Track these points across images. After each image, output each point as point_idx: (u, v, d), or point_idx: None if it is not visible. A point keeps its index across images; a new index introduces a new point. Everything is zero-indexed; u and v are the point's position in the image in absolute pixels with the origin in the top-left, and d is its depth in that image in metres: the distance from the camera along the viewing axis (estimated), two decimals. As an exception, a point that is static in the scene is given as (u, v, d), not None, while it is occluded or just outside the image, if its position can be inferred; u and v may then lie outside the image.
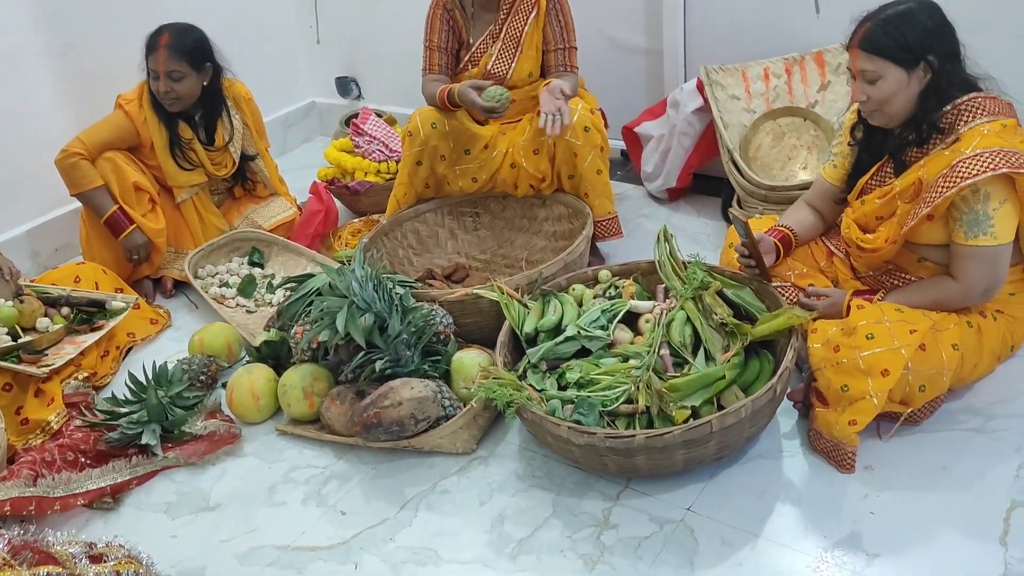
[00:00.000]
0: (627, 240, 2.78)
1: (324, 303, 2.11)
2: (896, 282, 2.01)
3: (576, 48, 2.67)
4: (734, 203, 2.78)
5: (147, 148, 2.84)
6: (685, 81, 3.07)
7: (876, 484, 1.83)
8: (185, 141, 2.85)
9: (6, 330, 2.37)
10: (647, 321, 2.14)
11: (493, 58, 2.65)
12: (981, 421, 1.96)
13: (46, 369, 2.25)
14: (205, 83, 2.79)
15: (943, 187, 1.79)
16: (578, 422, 1.83)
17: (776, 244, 2.11)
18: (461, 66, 2.71)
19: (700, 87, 2.85)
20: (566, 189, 2.68)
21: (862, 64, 1.86)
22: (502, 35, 2.64)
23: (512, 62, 2.64)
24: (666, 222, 2.98)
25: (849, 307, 1.95)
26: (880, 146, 1.96)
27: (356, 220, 3.16)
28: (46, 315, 2.52)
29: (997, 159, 1.75)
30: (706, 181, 3.09)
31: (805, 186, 2.56)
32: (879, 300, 1.94)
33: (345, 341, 2.10)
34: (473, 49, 2.68)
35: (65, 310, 2.56)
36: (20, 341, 2.34)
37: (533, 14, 2.62)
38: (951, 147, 1.83)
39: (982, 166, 1.75)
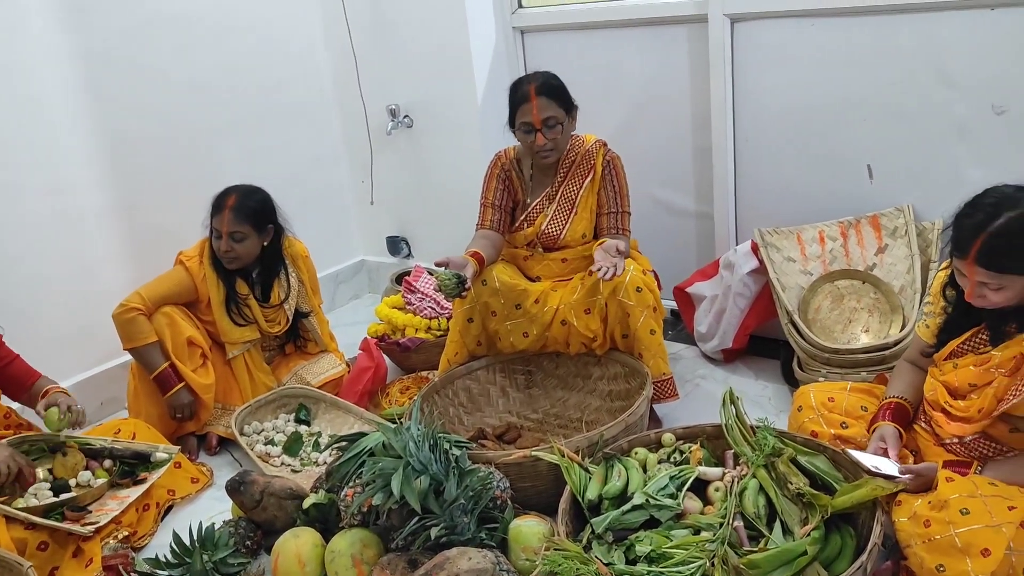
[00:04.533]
0: (683, 402, 2.71)
1: (378, 464, 2.03)
2: (987, 452, 1.90)
3: (629, 213, 2.71)
4: (795, 366, 2.71)
5: (204, 304, 2.87)
6: (737, 243, 3.08)
7: None
8: (241, 297, 2.88)
9: (48, 485, 2.31)
10: (717, 489, 2.03)
11: (548, 218, 2.70)
12: (1091, 608, 1.78)
13: (92, 528, 2.17)
14: (266, 243, 2.85)
15: None
16: (651, 600, 1.70)
17: (898, 430, 2.01)
18: (516, 224, 2.77)
19: (754, 249, 2.85)
20: (620, 348, 2.64)
21: (981, 278, 1.76)
22: (558, 197, 2.70)
23: (566, 223, 2.68)
24: (724, 383, 2.94)
25: (938, 480, 1.83)
26: (977, 313, 1.89)
27: (406, 377, 3.12)
28: (87, 468, 2.47)
29: None
30: (762, 342, 3.04)
31: (868, 349, 2.53)
32: (975, 473, 1.83)
33: (399, 505, 2.00)
34: (529, 209, 2.74)
35: (107, 463, 2.50)
36: (64, 497, 2.27)
37: (589, 178, 2.69)
38: None
39: None
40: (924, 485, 1.86)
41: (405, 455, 2.01)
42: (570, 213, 2.69)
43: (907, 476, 1.86)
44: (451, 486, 1.99)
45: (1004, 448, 1.89)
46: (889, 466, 1.88)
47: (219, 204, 2.77)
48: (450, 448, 2.09)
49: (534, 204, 2.74)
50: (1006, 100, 2.46)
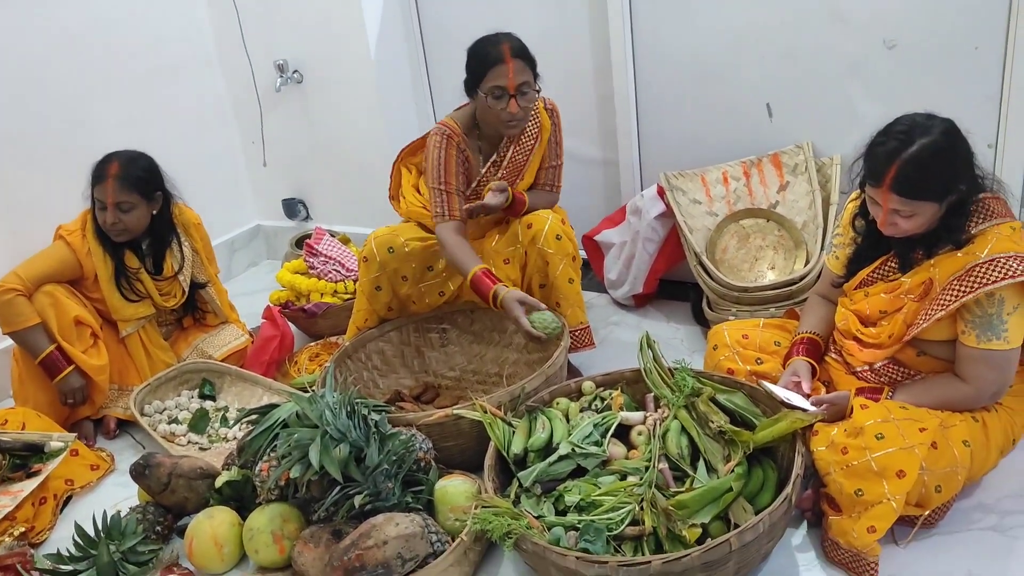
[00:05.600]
0: (598, 350, 2.69)
1: (294, 435, 1.94)
2: (896, 377, 1.96)
3: (562, 164, 2.65)
4: (705, 307, 2.75)
5: (90, 280, 2.67)
6: (642, 188, 3.08)
7: (904, 595, 1.72)
8: (131, 271, 2.70)
9: (-71, 487, 2.13)
10: (640, 433, 2.03)
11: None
12: (996, 519, 1.88)
13: (-20, 529, 2.01)
14: (155, 212, 2.67)
15: (959, 291, 1.76)
16: (585, 550, 1.69)
17: (811, 364, 2.05)
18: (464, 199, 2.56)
19: (661, 193, 2.85)
20: (537, 298, 2.60)
21: (894, 205, 1.77)
22: (505, 163, 2.56)
23: (512, 187, 2.57)
24: (636, 328, 2.95)
25: (852, 407, 1.88)
26: (886, 242, 1.92)
27: (314, 344, 3.01)
28: (-28, 465, 2.28)
29: (1014, 265, 1.73)
30: (671, 286, 3.07)
31: (775, 286, 2.57)
32: (886, 399, 1.88)
33: (318, 476, 1.93)
34: (475, 183, 2.57)
35: (-5, 458, 2.32)
36: (-53, 498, 2.09)
37: (537, 141, 2.57)
38: (964, 249, 1.80)
39: (1000, 272, 1.73)
40: (838, 414, 1.91)
41: (322, 424, 1.92)
42: (516, 178, 2.58)
43: (822, 407, 1.90)
44: (372, 452, 1.93)
45: (912, 372, 1.96)
46: (801, 401, 1.92)
47: (100, 173, 2.57)
48: (368, 413, 2.02)
49: (483, 174, 2.56)
50: (896, 34, 2.51)
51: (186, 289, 2.82)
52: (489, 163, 2.56)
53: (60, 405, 2.64)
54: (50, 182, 3.07)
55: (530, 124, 2.56)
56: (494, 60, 2.35)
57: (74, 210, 2.73)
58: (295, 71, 3.50)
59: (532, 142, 2.57)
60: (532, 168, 2.61)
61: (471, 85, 2.42)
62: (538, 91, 2.44)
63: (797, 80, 2.72)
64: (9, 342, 2.84)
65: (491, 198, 2.46)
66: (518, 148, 2.56)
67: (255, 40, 3.50)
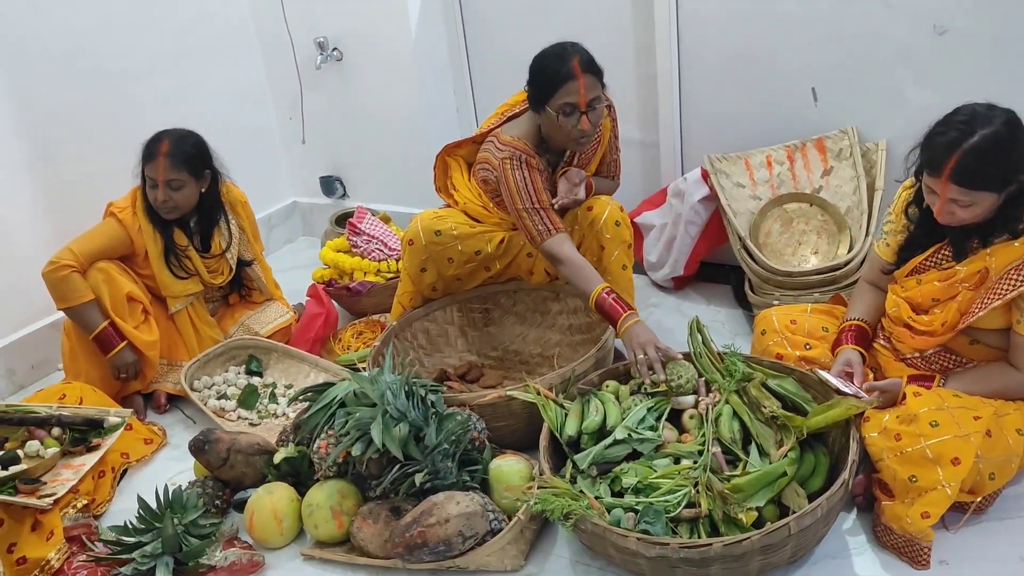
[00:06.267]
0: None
1: (355, 414, 1.98)
2: (947, 364, 1.98)
3: (620, 152, 2.68)
4: (747, 289, 2.77)
5: (140, 257, 2.71)
6: (683, 171, 3.09)
7: (956, 580, 1.76)
8: (180, 249, 2.73)
9: (-4, 459, 2.18)
10: (692, 417, 2.06)
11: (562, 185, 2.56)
12: (1046, 506, 1.91)
13: (49, 500, 2.05)
14: (203, 190, 2.70)
15: (1017, 280, 1.78)
16: (645, 532, 1.73)
17: (861, 353, 2.07)
18: None
19: (704, 176, 2.86)
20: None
21: (954, 195, 1.79)
22: (574, 163, 2.56)
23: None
24: (676, 311, 2.98)
25: (904, 394, 1.90)
26: (940, 230, 1.94)
27: (358, 322, 3.05)
28: (34, 438, 2.33)
29: None
30: (710, 268, 3.08)
31: (819, 271, 2.59)
32: (939, 386, 1.90)
33: (378, 455, 1.97)
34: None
35: (56, 431, 2.37)
36: (14, 470, 2.14)
37: (599, 145, 2.58)
38: (1021, 239, 1.82)
39: None
40: (890, 401, 1.93)
41: (382, 403, 1.97)
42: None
43: (874, 394, 1.93)
44: (431, 432, 1.97)
45: (963, 360, 1.98)
46: (853, 388, 1.95)
47: (151, 151, 2.59)
48: (426, 394, 2.06)
49: (552, 177, 2.54)
50: (947, 20, 2.50)
51: (233, 266, 2.86)
52: (560, 165, 2.57)
53: (112, 380, 2.69)
54: (96, 159, 3.11)
55: None
56: (565, 77, 2.27)
57: (121, 187, 2.76)
58: (335, 49, 3.51)
59: (596, 145, 2.57)
60: (594, 165, 2.63)
61: (539, 101, 2.34)
62: (608, 105, 2.40)
63: (843, 64, 2.71)
64: (57, 316, 2.90)
65: (580, 193, 2.44)
66: (583, 153, 2.57)
67: (296, 17, 3.50)
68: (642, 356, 2.11)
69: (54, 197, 3.05)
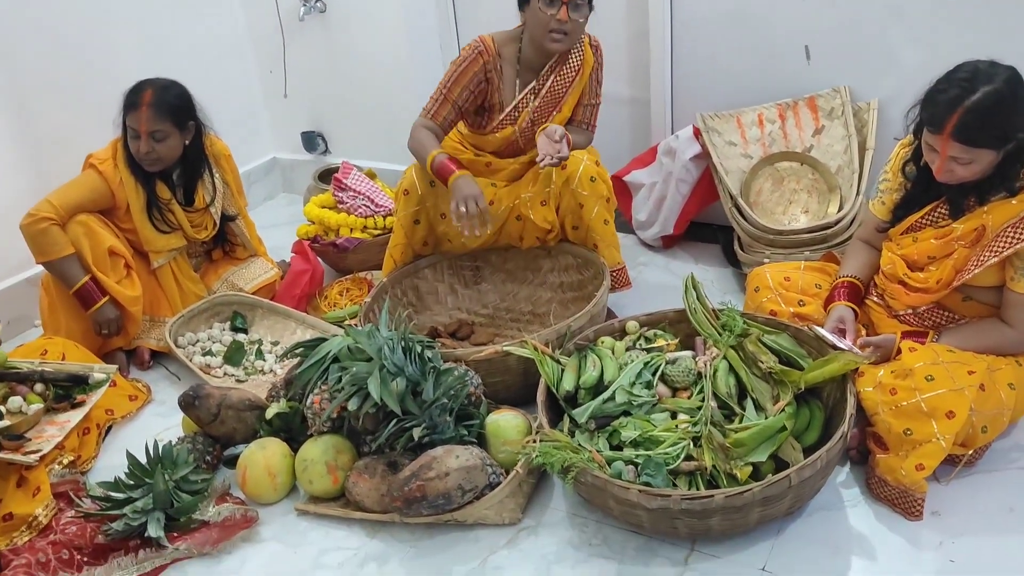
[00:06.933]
0: (628, 290, 2.71)
1: (352, 369, 1.96)
2: (940, 321, 2.00)
3: (600, 104, 2.62)
4: (737, 247, 2.77)
5: (122, 210, 2.64)
6: (673, 129, 3.07)
7: (948, 530, 1.79)
8: (163, 202, 2.66)
9: (-23, 414, 2.13)
10: (682, 372, 2.06)
11: (530, 115, 2.54)
12: (1034, 458, 1.95)
13: (36, 456, 2.01)
14: (187, 142, 2.63)
15: (1013, 237, 1.80)
16: (647, 484, 1.73)
17: (854, 310, 2.08)
18: (494, 126, 2.54)
19: (696, 134, 2.84)
20: (571, 240, 2.61)
21: (954, 152, 1.79)
22: (543, 92, 2.52)
23: (548, 120, 2.54)
24: (665, 269, 2.99)
25: (899, 348, 1.92)
26: (936, 188, 1.94)
27: (344, 279, 3.01)
28: (15, 394, 2.28)
29: None
30: (698, 228, 3.08)
31: (810, 230, 2.59)
32: (932, 342, 1.92)
33: (375, 410, 1.95)
34: (509, 109, 2.52)
35: (39, 387, 2.31)
36: (-2, 426, 2.10)
37: (578, 73, 2.53)
38: (1018, 197, 1.83)
39: None
40: (884, 356, 1.95)
41: (379, 358, 1.94)
42: (552, 110, 2.54)
43: (869, 350, 1.94)
44: (429, 386, 1.95)
45: (956, 316, 2.00)
46: (848, 346, 1.96)
47: (134, 101, 2.51)
48: (422, 349, 2.04)
49: (517, 101, 2.52)
50: (942, -23, 2.49)
51: (217, 221, 2.80)
52: (527, 89, 2.53)
53: (93, 335, 2.63)
54: (73, 109, 3.01)
55: (573, 54, 2.52)
56: None
57: (99, 138, 2.68)
58: (318, 0, 3.42)
59: (573, 74, 2.53)
60: (570, 102, 2.58)
61: None
62: (588, 5, 2.38)
63: (836, 22, 2.69)
64: (34, 271, 2.83)
65: (563, 150, 2.40)
66: (558, 78, 2.52)
67: (278, -34, 3.41)
68: (463, 209, 2.28)
69: (30, 148, 2.95)
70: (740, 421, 1.93)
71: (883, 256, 2.11)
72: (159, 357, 2.75)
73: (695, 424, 1.89)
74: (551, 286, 2.71)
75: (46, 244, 2.50)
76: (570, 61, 2.52)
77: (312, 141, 3.78)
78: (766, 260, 2.59)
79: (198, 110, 2.65)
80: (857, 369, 1.93)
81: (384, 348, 1.94)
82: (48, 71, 2.97)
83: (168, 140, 2.55)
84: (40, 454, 2.03)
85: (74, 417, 2.23)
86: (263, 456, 2.08)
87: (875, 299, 2.16)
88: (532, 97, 2.53)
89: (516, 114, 2.54)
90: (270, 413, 2.17)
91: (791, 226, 2.66)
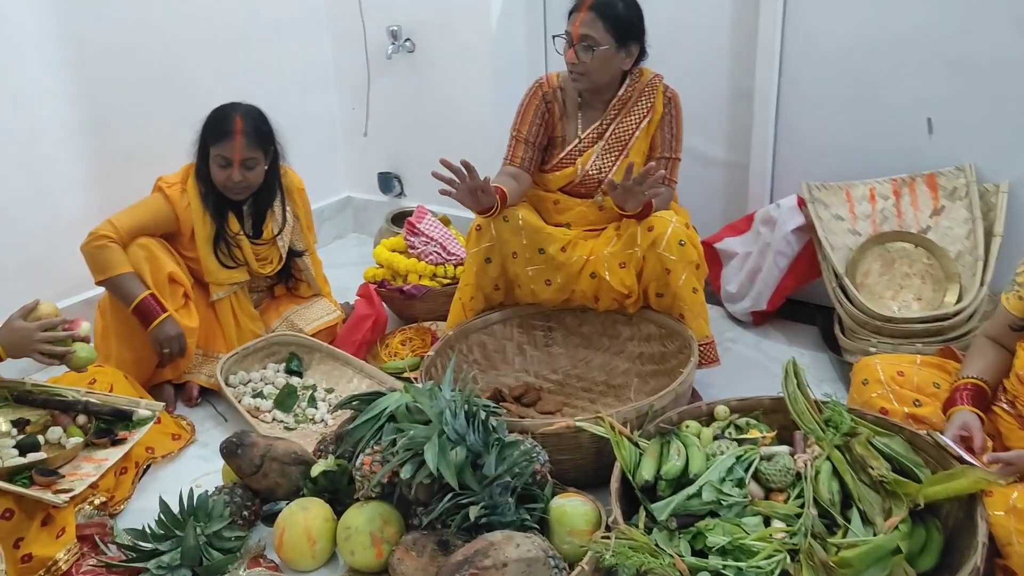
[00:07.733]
0: (713, 368, 2.47)
1: (409, 432, 1.77)
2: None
3: (680, 160, 2.44)
4: (838, 331, 2.52)
5: (186, 237, 2.53)
6: (772, 197, 2.85)
7: None
8: (231, 235, 2.55)
9: (14, 442, 2.00)
10: (779, 471, 1.81)
11: (594, 158, 2.41)
12: None
13: (66, 497, 1.85)
14: (264, 167, 2.52)
15: None
16: (736, 603, 1.49)
17: (979, 416, 1.82)
18: (555, 163, 2.45)
19: (800, 204, 2.62)
20: (653, 307, 2.40)
21: None
22: (607, 135, 2.40)
23: (614, 166, 2.39)
24: (755, 348, 2.75)
25: (1039, 469, 1.65)
26: None
27: (407, 328, 2.85)
28: (57, 423, 2.14)
29: None
30: (793, 306, 2.84)
31: (925, 319, 2.34)
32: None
33: (429, 480, 1.75)
34: (571, 147, 2.42)
35: (82, 419, 2.18)
36: (33, 458, 1.95)
37: (647, 119, 2.39)
38: None
39: None
40: (1017, 474, 1.68)
41: (439, 422, 1.75)
42: (620, 155, 2.40)
43: (998, 466, 1.68)
44: (491, 461, 1.75)
45: (1106, 436, 1.72)
46: (971, 457, 1.70)
47: (225, 128, 2.41)
48: (487, 416, 1.84)
49: (581, 140, 2.43)
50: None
51: (284, 255, 2.68)
52: (591, 128, 2.42)
53: (144, 362, 2.50)
54: (150, 131, 2.96)
55: (642, 100, 2.40)
56: (576, 5, 2.32)
57: (172, 161, 2.60)
58: (407, 39, 3.33)
59: (639, 119, 2.40)
60: (638, 149, 2.42)
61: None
62: (624, 56, 2.33)
63: (965, 94, 2.46)
64: (92, 294, 2.74)
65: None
66: (623, 121, 2.41)
67: (371, 4, 3.35)
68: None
69: (101, 166, 2.90)
70: (844, 535, 1.67)
71: (1018, 358, 1.85)
72: (208, 394, 2.61)
73: (793, 535, 1.64)
74: (629, 356, 2.49)
75: (104, 262, 2.39)
76: (638, 106, 2.40)
77: (388, 182, 3.67)
78: (872, 349, 2.34)
79: (277, 136, 2.55)
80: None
81: (446, 412, 1.75)
82: (132, 90, 2.93)
83: (257, 168, 2.47)
84: (71, 495, 1.87)
85: (113, 455, 2.07)
86: (304, 518, 1.89)
87: (1004, 406, 1.89)
88: (596, 138, 2.42)
89: (576, 154, 2.43)
90: (316, 470, 1.98)
91: (902, 314, 2.41)
